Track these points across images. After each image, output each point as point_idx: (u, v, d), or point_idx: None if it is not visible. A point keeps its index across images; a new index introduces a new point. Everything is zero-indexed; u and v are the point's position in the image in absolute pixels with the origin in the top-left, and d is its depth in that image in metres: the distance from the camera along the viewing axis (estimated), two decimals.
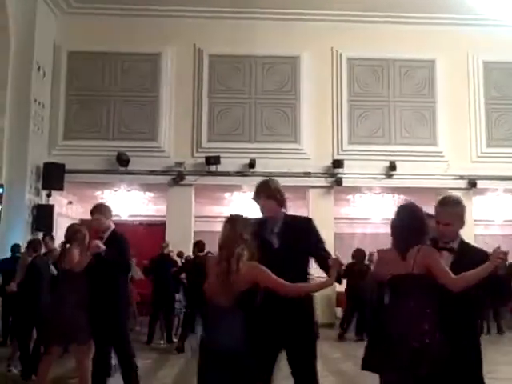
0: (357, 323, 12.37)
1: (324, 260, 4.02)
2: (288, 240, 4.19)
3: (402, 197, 15.33)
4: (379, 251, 4.09)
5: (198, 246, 10.10)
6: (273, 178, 4.77)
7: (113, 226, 5.73)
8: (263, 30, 13.56)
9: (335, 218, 13.90)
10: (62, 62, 13.53)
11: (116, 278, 5.47)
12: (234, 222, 3.70)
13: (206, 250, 10.05)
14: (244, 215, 3.85)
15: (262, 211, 4.36)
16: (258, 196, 4.41)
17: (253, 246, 3.64)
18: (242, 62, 13.89)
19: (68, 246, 5.58)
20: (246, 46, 13.66)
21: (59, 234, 12.79)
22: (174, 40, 13.66)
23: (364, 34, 13.56)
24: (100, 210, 5.71)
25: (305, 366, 4.10)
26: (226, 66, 13.86)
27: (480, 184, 13.40)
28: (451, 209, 4.01)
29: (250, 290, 3.53)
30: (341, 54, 13.92)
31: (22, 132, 12.00)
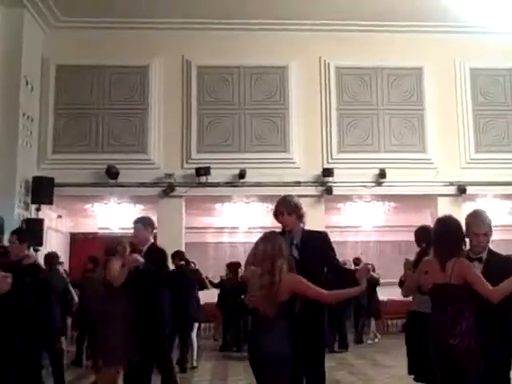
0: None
1: (339, 270, 4.58)
2: (307, 252, 4.59)
3: (393, 204, 15.41)
4: (424, 263, 4.42)
5: (179, 255, 10.21)
6: (291, 194, 5.10)
7: (151, 240, 5.67)
8: (251, 40, 13.59)
9: (326, 227, 13.82)
10: (50, 75, 13.48)
11: (155, 291, 5.40)
12: (272, 238, 4.16)
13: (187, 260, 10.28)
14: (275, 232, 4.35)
15: (283, 225, 4.79)
16: (279, 212, 4.64)
17: (290, 258, 4.03)
18: (231, 72, 13.90)
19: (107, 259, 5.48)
20: (234, 57, 13.69)
21: (48, 248, 12.76)
22: (161, 52, 13.67)
23: (352, 43, 13.63)
24: (142, 222, 5.64)
25: (316, 371, 4.50)
26: (215, 76, 13.88)
27: (469, 190, 13.44)
28: (487, 220, 4.43)
29: (291, 300, 3.86)
30: (329, 63, 13.96)
31: (10, 146, 11.93)
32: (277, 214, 4.81)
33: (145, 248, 5.52)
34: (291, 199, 4.80)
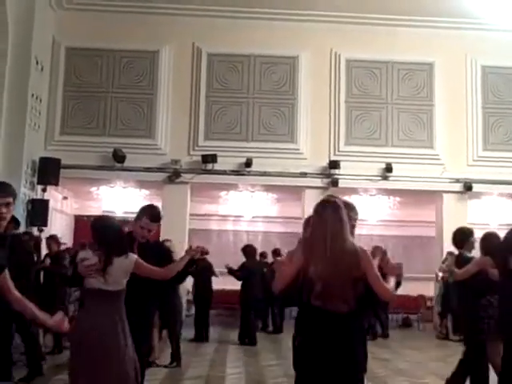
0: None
1: None
2: None
3: (398, 199, 15.39)
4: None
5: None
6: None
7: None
8: (262, 29, 13.55)
9: None
10: (60, 57, 13.50)
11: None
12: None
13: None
14: None
15: None
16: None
17: None
18: (241, 61, 13.87)
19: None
20: (245, 46, 13.66)
21: (53, 229, 12.80)
22: (172, 38, 13.64)
23: (363, 36, 13.57)
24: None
25: None
26: (225, 64, 13.85)
27: (475, 187, 13.42)
28: None
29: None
30: (339, 55, 13.91)
31: (18, 126, 11.94)
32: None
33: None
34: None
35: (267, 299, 11.88)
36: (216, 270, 11.99)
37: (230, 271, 11.55)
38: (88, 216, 14.75)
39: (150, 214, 4.83)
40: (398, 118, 13.90)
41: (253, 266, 11.57)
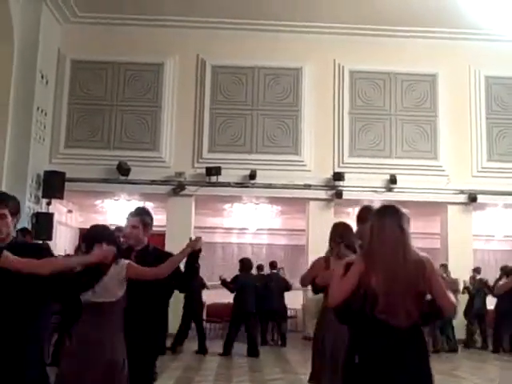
0: None
1: None
2: None
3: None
4: None
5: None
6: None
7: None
8: (266, 41, 13.60)
9: None
10: (65, 70, 13.57)
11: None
12: None
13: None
14: None
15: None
16: (363, 221, 4.47)
17: None
18: (245, 73, 13.92)
19: None
20: (249, 58, 13.70)
21: (58, 243, 12.82)
22: (176, 50, 13.71)
23: (367, 48, 13.60)
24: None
25: None
26: (229, 76, 13.89)
27: (480, 199, 13.37)
28: None
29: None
30: (343, 67, 13.95)
31: (23, 139, 11.98)
32: (361, 222, 4.77)
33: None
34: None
35: (260, 313, 11.93)
36: (216, 282, 12.03)
37: (224, 283, 11.54)
38: None
39: (130, 212, 4.76)
40: (402, 129, 13.90)
41: (246, 279, 11.55)
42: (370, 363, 3.17)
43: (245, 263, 11.69)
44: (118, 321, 3.96)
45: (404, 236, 3.29)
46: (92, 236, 4.13)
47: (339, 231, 5.09)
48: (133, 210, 4.81)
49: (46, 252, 4.09)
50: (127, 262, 4.08)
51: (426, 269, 3.21)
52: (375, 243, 3.29)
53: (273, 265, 13.48)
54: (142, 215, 4.71)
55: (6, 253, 3.54)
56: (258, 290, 11.88)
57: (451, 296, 3.24)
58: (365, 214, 4.61)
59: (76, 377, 3.79)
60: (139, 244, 4.66)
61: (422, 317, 3.21)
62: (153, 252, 4.69)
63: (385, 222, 3.34)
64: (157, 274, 4.13)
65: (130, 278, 4.02)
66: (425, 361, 3.22)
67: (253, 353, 11.04)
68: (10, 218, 3.68)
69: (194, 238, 4.42)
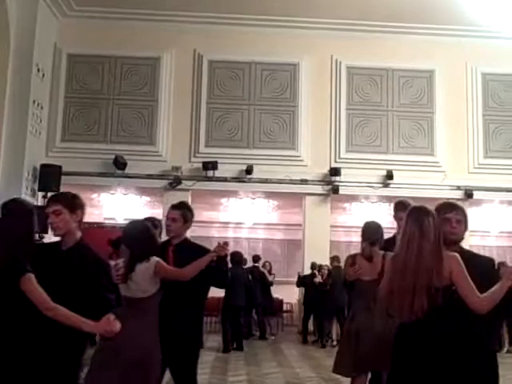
0: None
1: None
2: None
3: None
4: None
5: None
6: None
7: None
8: (263, 36, 13.58)
9: (332, 226, 13.89)
10: (61, 64, 13.53)
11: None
12: None
13: None
14: None
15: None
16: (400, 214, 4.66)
17: None
18: (242, 68, 13.90)
19: None
20: (246, 53, 13.68)
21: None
22: (173, 45, 13.68)
23: (364, 43, 13.60)
24: None
25: None
26: (226, 71, 13.87)
27: (476, 195, 13.41)
28: None
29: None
30: (340, 63, 13.94)
31: (19, 133, 11.95)
32: (398, 215, 4.91)
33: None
34: (407, 203, 4.62)
35: (250, 306, 12.01)
36: None
37: None
38: (89, 223, 14.73)
39: (172, 204, 4.81)
40: (399, 125, 13.91)
41: (236, 274, 11.57)
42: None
43: (235, 257, 11.69)
44: (150, 316, 4.06)
45: (421, 233, 3.27)
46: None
47: (368, 230, 5.16)
48: (175, 203, 4.77)
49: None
50: (157, 259, 4.14)
51: (441, 264, 3.16)
52: (400, 248, 3.33)
53: (254, 258, 13.51)
54: (183, 209, 4.72)
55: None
56: (249, 284, 12.02)
57: (477, 296, 3.11)
58: (400, 208, 4.76)
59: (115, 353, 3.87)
60: (177, 238, 4.65)
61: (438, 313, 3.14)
62: (191, 247, 4.69)
63: (410, 227, 3.36)
64: (179, 276, 4.23)
65: (156, 276, 4.11)
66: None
67: (238, 347, 11.15)
68: (67, 214, 3.55)
69: (221, 243, 4.49)
